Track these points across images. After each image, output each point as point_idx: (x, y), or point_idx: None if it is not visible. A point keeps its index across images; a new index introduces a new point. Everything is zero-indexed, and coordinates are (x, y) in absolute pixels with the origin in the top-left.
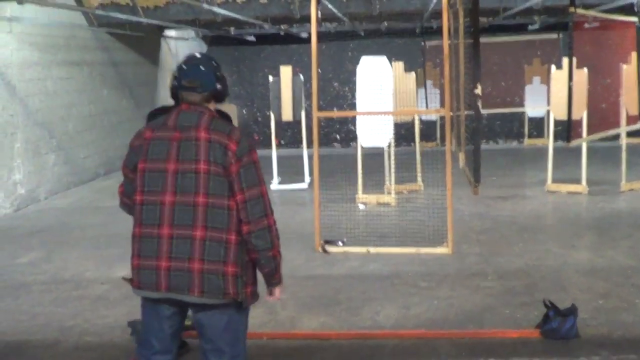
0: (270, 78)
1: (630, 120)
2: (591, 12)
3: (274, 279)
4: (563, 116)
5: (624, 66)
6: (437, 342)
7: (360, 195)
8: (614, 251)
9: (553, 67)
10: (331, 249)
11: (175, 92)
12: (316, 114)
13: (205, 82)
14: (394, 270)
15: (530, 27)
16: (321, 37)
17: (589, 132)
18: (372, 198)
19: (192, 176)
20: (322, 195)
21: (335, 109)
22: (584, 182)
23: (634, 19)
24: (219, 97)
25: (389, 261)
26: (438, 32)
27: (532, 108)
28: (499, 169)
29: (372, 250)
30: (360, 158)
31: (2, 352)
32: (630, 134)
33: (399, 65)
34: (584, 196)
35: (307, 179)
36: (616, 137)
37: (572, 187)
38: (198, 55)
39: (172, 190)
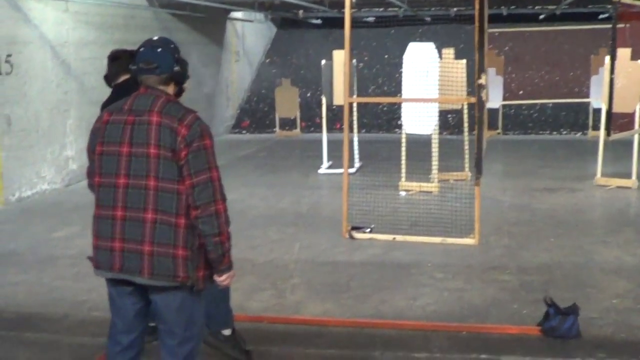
0: (323, 62)
1: None
2: (636, 2)
3: (221, 264)
4: (618, 108)
5: None
6: (433, 335)
7: (403, 183)
8: None
9: (607, 58)
10: (358, 235)
11: (134, 76)
12: (347, 100)
13: (163, 64)
14: (415, 260)
15: (600, 16)
16: (388, 21)
17: None
18: (415, 186)
19: (144, 159)
20: (366, 181)
21: (399, 95)
22: (634, 176)
23: None
24: (179, 79)
25: (412, 250)
26: (505, 18)
27: (597, 99)
28: (556, 161)
29: (399, 238)
30: (404, 145)
31: (10, 323)
32: None
33: (449, 51)
34: (633, 191)
35: (357, 163)
36: None
37: (622, 182)
38: (155, 38)
39: (125, 173)
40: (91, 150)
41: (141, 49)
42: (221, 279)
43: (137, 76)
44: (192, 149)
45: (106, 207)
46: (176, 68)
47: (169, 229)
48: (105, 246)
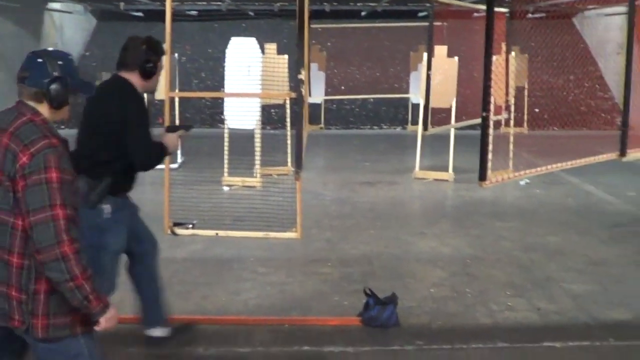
0: None
1: (497, 110)
2: (453, 1)
3: (89, 309)
4: (436, 104)
5: (494, 57)
6: (255, 329)
7: (226, 178)
8: (461, 240)
9: (425, 55)
10: (180, 231)
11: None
12: (168, 94)
13: (34, 75)
14: (237, 255)
15: (420, 14)
16: (212, 15)
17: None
18: (238, 180)
19: None
20: (189, 176)
21: (222, 90)
22: (450, 169)
23: (503, 9)
24: (53, 100)
25: (235, 245)
26: (328, 14)
27: (415, 95)
28: (376, 155)
29: (221, 233)
30: (227, 139)
31: None
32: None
33: (272, 47)
34: (449, 184)
35: (180, 159)
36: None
37: (439, 175)
38: (50, 48)
39: None
40: None
41: (29, 55)
42: (99, 326)
43: (17, 84)
44: (30, 183)
45: None
46: (50, 87)
47: (2, 265)
48: None
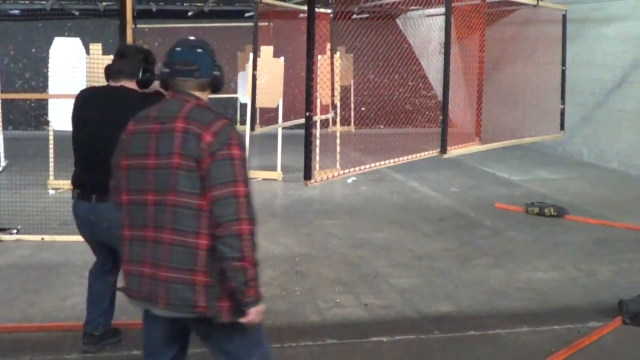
0: None
1: (324, 109)
2: (277, 2)
3: (244, 296)
4: (262, 104)
5: (320, 57)
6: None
7: (52, 181)
8: (290, 238)
9: (250, 55)
10: (4, 237)
11: (166, 80)
12: None
13: (204, 66)
14: (64, 260)
15: (247, 14)
16: (35, 14)
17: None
18: (64, 184)
19: (168, 172)
20: (13, 180)
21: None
22: (279, 169)
23: (326, 10)
24: (217, 85)
25: (62, 250)
26: (155, 14)
27: (243, 95)
28: None
29: (47, 238)
30: (52, 142)
31: None
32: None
33: (97, 47)
34: (278, 183)
35: (3, 162)
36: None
37: (268, 174)
38: (193, 38)
39: (152, 188)
40: (116, 165)
41: (178, 49)
42: (246, 317)
43: (170, 79)
44: (217, 159)
45: (137, 227)
46: (216, 72)
47: (186, 251)
48: (136, 271)
